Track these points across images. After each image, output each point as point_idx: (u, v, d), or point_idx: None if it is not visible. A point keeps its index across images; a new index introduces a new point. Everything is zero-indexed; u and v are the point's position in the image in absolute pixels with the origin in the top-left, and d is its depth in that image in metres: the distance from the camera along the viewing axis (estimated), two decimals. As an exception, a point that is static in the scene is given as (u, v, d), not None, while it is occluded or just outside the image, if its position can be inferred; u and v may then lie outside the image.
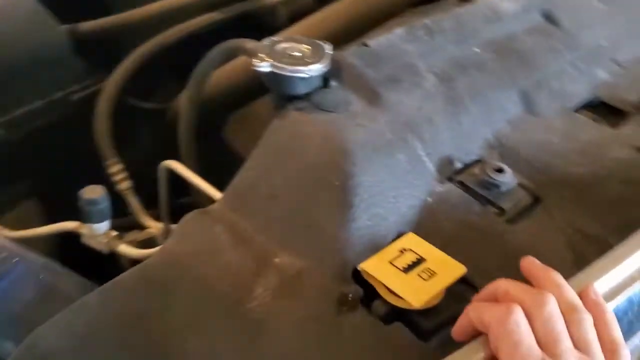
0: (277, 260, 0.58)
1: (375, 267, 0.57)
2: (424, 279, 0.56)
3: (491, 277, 0.55)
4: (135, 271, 0.57)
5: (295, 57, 0.66)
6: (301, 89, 0.66)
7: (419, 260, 0.57)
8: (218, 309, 0.55)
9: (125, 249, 0.74)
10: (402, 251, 0.59)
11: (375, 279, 0.57)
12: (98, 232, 0.73)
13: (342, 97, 0.66)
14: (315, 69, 0.65)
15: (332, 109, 0.65)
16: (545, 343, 0.43)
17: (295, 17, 1.14)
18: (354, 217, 0.58)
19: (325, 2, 1.18)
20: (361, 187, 0.60)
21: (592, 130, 0.74)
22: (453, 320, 0.53)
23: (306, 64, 0.64)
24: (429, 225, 0.62)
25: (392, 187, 0.62)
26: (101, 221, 0.69)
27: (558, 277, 0.49)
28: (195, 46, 1.04)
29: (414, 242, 0.60)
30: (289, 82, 0.65)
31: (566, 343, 0.43)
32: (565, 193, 0.66)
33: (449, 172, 0.67)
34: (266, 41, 0.67)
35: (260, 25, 1.12)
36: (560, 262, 0.59)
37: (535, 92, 0.78)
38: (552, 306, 0.45)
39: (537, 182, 0.67)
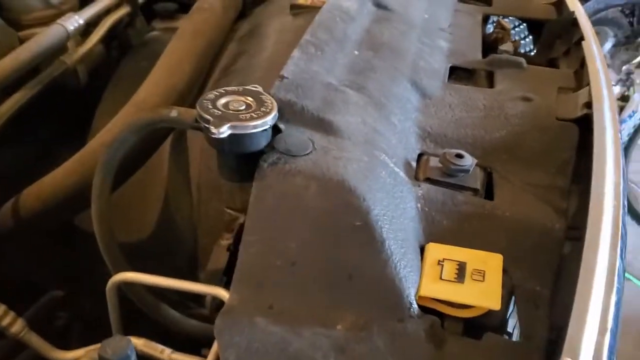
0: (340, 327, 0.53)
1: (433, 290, 0.56)
2: (480, 281, 0.57)
3: (511, 255, 0.59)
4: None
5: (244, 110, 0.59)
6: (263, 143, 0.59)
7: (461, 266, 0.58)
8: None
9: None
10: (440, 263, 0.58)
11: (436, 301, 0.56)
12: None
13: (302, 137, 0.62)
14: (272, 117, 0.59)
15: (304, 152, 0.60)
16: None
17: (93, 73, 1.02)
18: (391, 250, 0.56)
19: (120, 51, 1.10)
20: (380, 218, 0.57)
21: (480, 95, 0.81)
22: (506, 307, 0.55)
23: (263, 114, 0.58)
24: (432, 229, 0.63)
25: (394, 206, 0.61)
26: (131, 376, 0.53)
27: None
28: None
29: (441, 251, 0.60)
30: (252, 139, 0.58)
31: None
32: (504, 157, 0.72)
33: (411, 173, 0.68)
34: (199, 103, 0.59)
35: (63, 91, 0.97)
36: (546, 215, 0.65)
37: (417, 76, 0.82)
38: None
39: (476, 156, 0.71)
